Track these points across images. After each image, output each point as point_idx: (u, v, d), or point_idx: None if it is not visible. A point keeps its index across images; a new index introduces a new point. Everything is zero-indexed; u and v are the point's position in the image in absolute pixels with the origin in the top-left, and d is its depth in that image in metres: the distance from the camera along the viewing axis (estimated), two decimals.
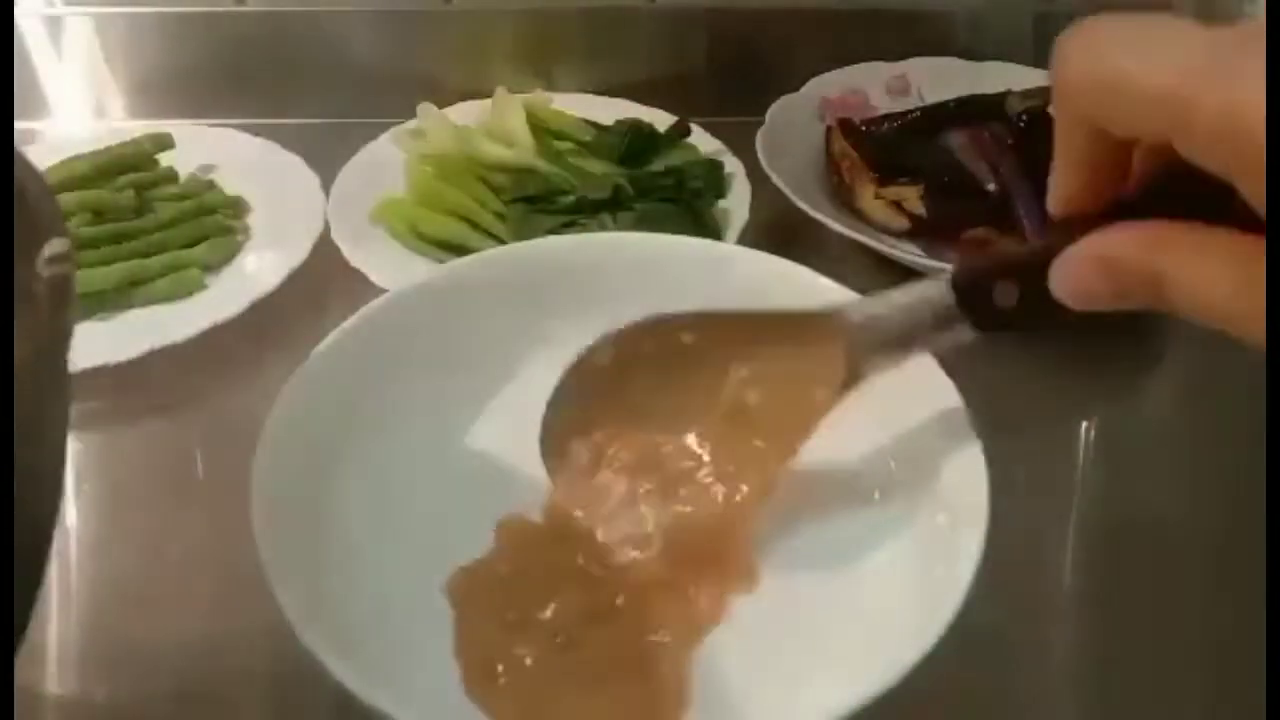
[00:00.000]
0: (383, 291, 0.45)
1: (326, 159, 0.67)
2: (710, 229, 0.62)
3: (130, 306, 0.58)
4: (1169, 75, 0.25)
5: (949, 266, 0.34)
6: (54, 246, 0.28)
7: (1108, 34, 0.27)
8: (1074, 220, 0.30)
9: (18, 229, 0.29)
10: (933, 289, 0.34)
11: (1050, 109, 0.69)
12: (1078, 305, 0.29)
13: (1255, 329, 0.25)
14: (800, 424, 0.39)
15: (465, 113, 0.71)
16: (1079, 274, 0.29)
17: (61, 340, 0.28)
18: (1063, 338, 0.59)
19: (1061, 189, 0.30)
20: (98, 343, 0.55)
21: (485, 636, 0.38)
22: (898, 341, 0.36)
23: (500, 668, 0.37)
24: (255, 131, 0.70)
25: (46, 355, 0.27)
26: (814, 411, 0.39)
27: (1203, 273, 0.26)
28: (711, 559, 0.40)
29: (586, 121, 0.71)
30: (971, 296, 0.33)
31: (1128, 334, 0.60)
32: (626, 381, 0.41)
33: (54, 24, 0.74)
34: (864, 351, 0.37)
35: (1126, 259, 0.28)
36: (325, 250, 0.61)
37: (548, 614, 0.39)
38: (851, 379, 0.38)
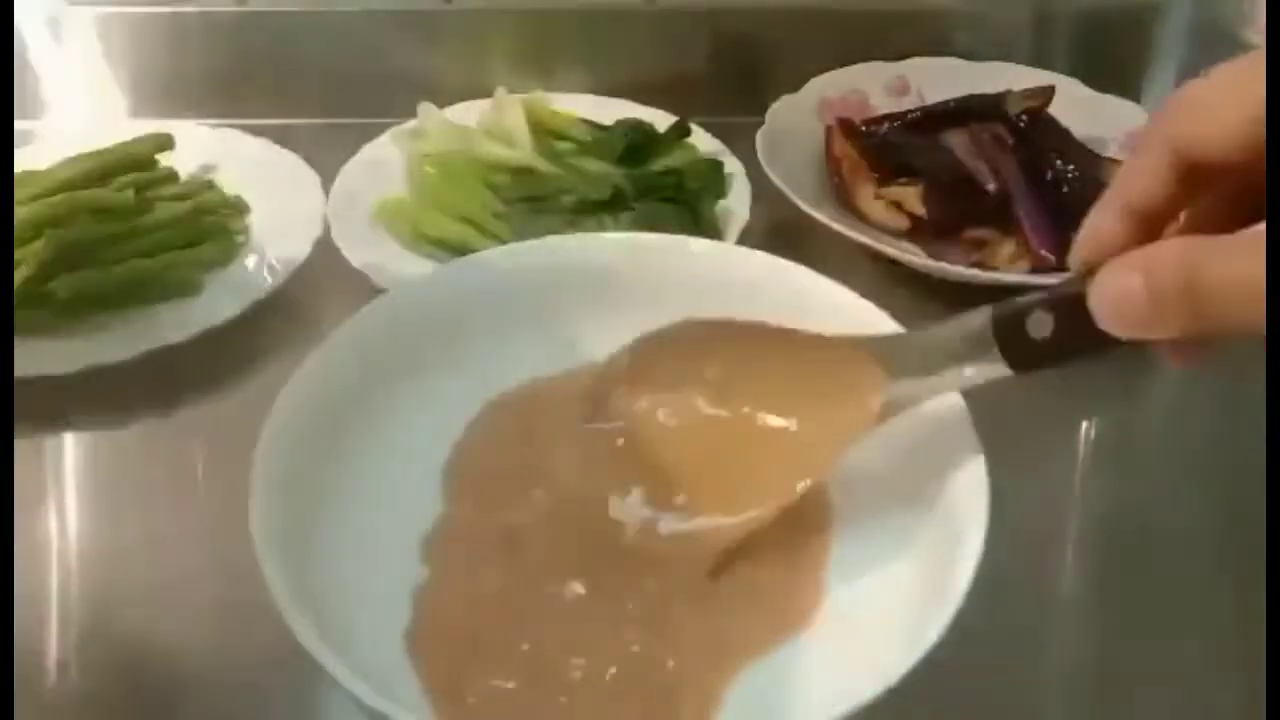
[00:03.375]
0: (383, 291, 0.45)
1: (326, 159, 0.67)
2: (710, 229, 0.62)
3: (130, 306, 0.58)
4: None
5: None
6: None
7: (1216, 69, 0.28)
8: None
9: None
10: (971, 320, 0.34)
11: (1050, 109, 0.69)
12: (1115, 323, 0.29)
13: None
14: (828, 449, 0.39)
15: (465, 113, 0.71)
16: (1121, 284, 0.28)
17: None
18: None
19: (1098, 233, 0.30)
20: (98, 343, 0.55)
21: (457, 653, 0.37)
22: (931, 371, 0.36)
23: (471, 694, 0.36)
24: (255, 131, 0.70)
25: None
26: (841, 439, 0.38)
27: (1232, 263, 0.25)
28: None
29: (586, 121, 0.71)
30: (1006, 328, 0.33)
31: None
32: (644, 393, 0.41)
33: (54, 24, 0.74)
34: (898, 381, 0.37)
35: (1164, 266, 0.27)
36: (325, 250, 0.61)
37: (539, 637, 0.38)
38: (885, 411, 0.37)
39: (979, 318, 0.34)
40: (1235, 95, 0.27)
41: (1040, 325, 0.32)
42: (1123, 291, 0.28)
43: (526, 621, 0.38)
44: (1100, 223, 0.30)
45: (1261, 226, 0.26)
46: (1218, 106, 0.27)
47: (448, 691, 0.36)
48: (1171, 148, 0.28)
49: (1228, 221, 0.29)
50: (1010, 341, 0.33)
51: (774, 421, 0.40)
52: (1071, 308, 0.30)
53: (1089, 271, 0.30)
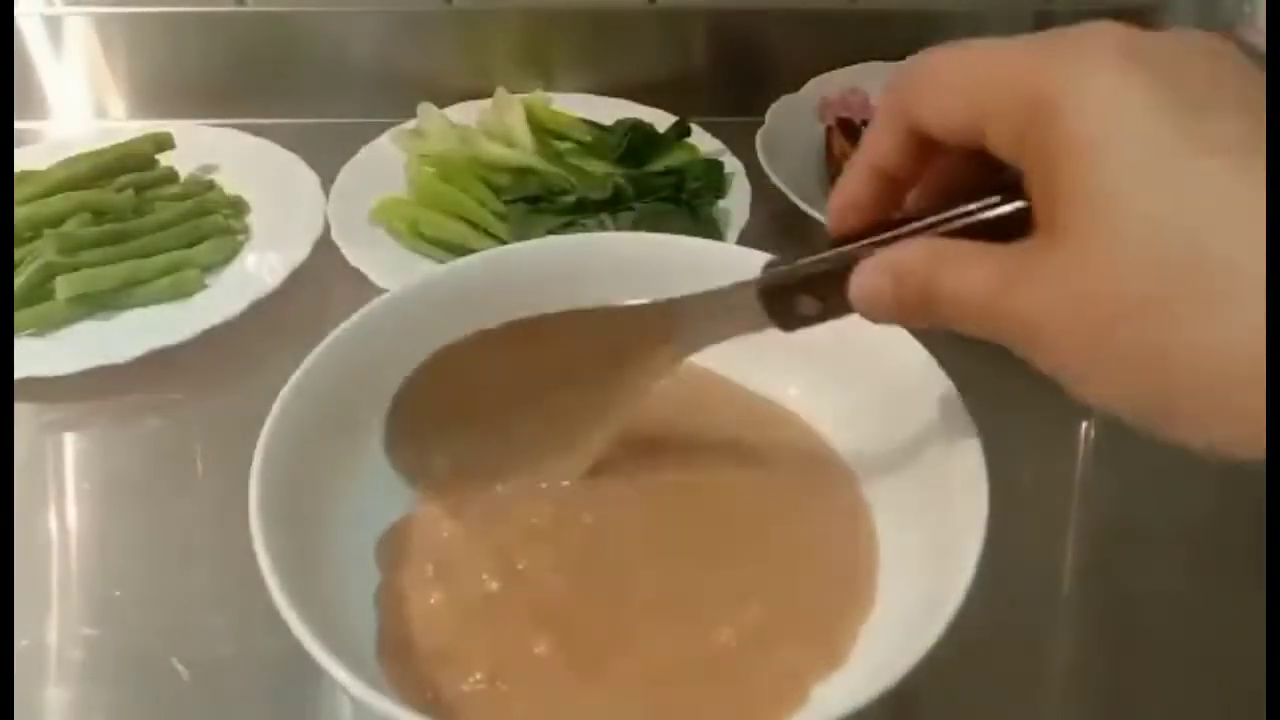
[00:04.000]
0: (383, 291, 0.45)
1: (326, 159, 0.67)
2: (710, 229, 0.62)
3: (130, 306, 0.58)
4: (1005, 67, 0.28)
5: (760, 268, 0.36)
6: None
7: (954, 46, 0.30)
8: (860, 238, 0.32)
9: None
10: (742, 296, 0.36)
11: None
12: (869, 315, 0.32)
13: (1010, 329, 0.27)
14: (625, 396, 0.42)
15: (465, 113, 0.71)
16: (873, 284, 0.31)
17: None
18: None
19: (849, 194, 0.33)
20: (98, 343, 0.55)
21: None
22: (713, 334, 0.39)
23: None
24: (255, 131, 0.70)
25: None
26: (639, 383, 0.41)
27: (965, 276, 0.28)
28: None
29: (586, 121, 0.71)
30: (777, 306, 0.35)
31: None
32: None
33: (54, 24, 0.74)
34: (684, 341, 0.40)
35: (912, 270, 0.30)
36: (325, 250, 0.61)
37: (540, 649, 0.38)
38: (672, 360, 0.41)
39: (748, 296, 0.36)
40: (958, 80, 0.29)
41: (808, 306, 0.35)
42: (874, 291, 0.31)
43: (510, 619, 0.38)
44: (850, 189, 0.33)
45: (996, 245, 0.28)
46: (943, 90, 0.30)
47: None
48: (905, 122, 0.31)
49: (964, 181, 0.31)
50: (781, 316, 0.36)
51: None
52: (836, 291, 0.33)
53: (841, 241, 0.33)
